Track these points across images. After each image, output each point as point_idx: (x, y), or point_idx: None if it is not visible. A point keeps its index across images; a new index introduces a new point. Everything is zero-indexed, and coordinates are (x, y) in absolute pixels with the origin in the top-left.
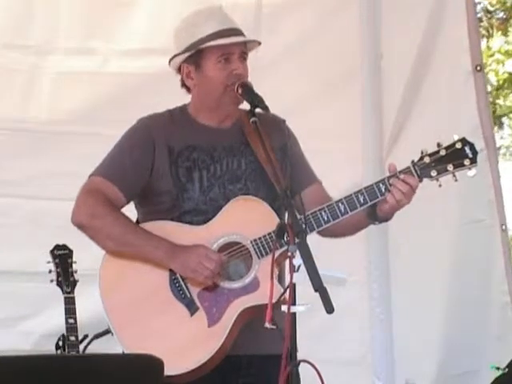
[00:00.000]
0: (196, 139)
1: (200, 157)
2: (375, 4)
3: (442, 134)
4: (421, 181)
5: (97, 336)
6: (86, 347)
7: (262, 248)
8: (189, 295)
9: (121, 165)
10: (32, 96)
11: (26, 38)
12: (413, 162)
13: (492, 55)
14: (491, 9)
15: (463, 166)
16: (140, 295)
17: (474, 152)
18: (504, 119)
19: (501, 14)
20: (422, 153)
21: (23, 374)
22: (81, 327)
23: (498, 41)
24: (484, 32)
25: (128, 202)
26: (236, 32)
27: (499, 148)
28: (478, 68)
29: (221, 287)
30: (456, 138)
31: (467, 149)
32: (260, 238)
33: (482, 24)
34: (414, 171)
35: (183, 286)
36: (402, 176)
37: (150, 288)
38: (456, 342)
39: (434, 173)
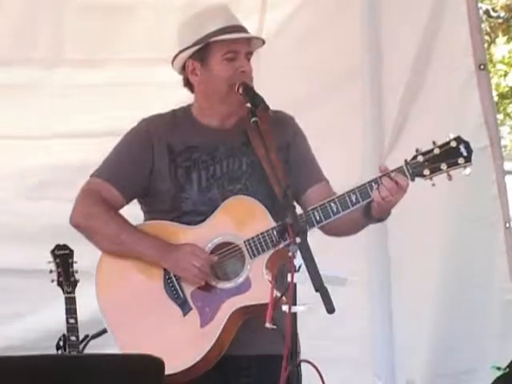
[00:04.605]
0: (198, 140)
1: (201, 157)
2: (375, 3)
3: (443, 133)
4: (412, 180)
5: (94, 336)
6: (84, 347)
7: (254, 248)
8: (182, 295)
9: (119, 166)
10: (37, 110)
11: (32, 51)
12: (406, 160)
13: (493, 66)
14: (494, 14)
15: (457, 164)
16: (135, 295)
17: (469, 151)
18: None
19: (502, 14)
20: (416, 151)
21: (23, 374)
22: (81, 324)
23: (500, 49)
24: (486, 38)
25: (127, 203)
26: (242, 29)
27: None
28: (482, 67)
29: (214, 287)
30: (451, 136)
31: (462, 147)
32: (253, 238)
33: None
34: (406, 170)
35: (177, 285)
36: (392, 174)
37: (145, 288)
38: (457, 341)
39: (426, 172)
